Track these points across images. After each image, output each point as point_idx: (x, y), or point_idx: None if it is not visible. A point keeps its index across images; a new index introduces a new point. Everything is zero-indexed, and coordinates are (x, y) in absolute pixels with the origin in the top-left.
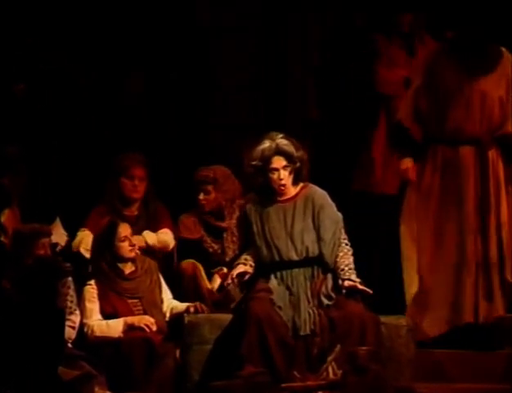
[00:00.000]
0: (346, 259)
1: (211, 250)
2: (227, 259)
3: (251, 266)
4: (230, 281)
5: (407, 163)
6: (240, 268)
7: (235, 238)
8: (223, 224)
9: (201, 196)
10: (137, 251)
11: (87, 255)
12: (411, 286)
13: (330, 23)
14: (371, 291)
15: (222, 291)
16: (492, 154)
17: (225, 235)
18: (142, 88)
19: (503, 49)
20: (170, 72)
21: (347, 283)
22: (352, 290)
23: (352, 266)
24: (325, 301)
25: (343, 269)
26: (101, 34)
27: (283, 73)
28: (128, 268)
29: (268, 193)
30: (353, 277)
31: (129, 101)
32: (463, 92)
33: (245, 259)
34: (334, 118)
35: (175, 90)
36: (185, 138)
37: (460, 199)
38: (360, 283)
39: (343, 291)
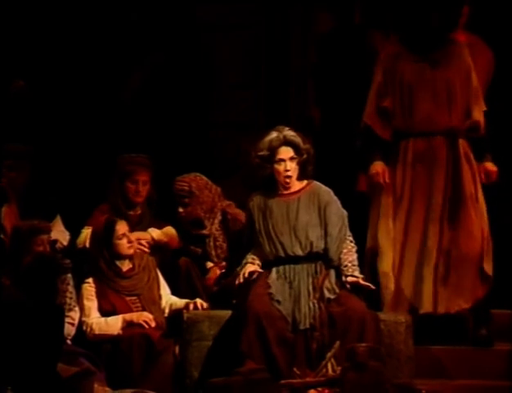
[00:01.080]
0: (350, 255)
1: (195, 255)
2: (211, 263)
3: (258, 265)
4: (242, 280)
5: (377, 167)
6: (251, 267)
7: (217, 243)
8: (205, 232)
9: (180, 209)
10: (146, 248)
11: None
12: (387, 286)
13: (330, 21)
14: (374, 287)
15: (220, 284)
16: (463, 144)
17: (207, 241)
18: (142, 86)
19: (457, 39)
20: (170, 69)
21: (350, 279)
22: (355, 286)
23: (355, 263)
24: (327, 294)
25: (346, 265)
26: (101, 33)
27: (284, 71)
28: (126, 266)
29: (272, 188)
30: (356, 273)
31: (129, 99)
32: (428, 82)
33: (252, 259)
34: (335, 117)
35: (175, 88)
36: (185, 136)
37: (429, 189)
38: (363, 279)
39: (348, 286)
